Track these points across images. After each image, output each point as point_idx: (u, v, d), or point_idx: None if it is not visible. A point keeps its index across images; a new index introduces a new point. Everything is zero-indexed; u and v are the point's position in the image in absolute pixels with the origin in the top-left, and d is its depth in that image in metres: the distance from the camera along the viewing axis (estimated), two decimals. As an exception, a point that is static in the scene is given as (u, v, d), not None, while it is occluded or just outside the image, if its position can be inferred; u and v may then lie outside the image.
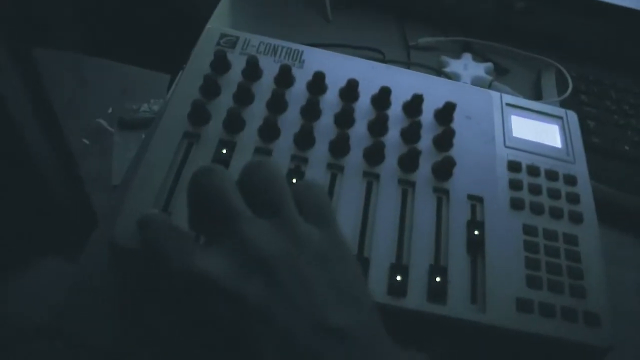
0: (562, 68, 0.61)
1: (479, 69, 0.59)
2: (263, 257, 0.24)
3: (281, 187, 0.27)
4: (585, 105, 0.57)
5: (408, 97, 0.44)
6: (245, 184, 0.27)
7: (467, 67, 0.59)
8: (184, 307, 0.24)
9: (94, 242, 0.42)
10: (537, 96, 0.60)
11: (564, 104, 0.57)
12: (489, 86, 0.57)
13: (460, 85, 0.48)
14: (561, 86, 0.60)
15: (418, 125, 0.42)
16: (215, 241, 0.25)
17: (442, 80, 0.47)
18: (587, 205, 0.43)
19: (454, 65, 0.59)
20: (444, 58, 0.60)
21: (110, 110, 0.69)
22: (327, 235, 0.27)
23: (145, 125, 0.68)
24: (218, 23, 0.62)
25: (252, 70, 0.43)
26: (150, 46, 0.90)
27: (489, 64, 0.60)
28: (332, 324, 0.23)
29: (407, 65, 0.58)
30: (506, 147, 0.45)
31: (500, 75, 0.62)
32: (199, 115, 0.40)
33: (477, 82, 0.57)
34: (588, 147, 0.48)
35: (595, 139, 0.54)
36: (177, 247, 0.26)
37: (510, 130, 0.46)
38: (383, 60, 0.57)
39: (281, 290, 0.23)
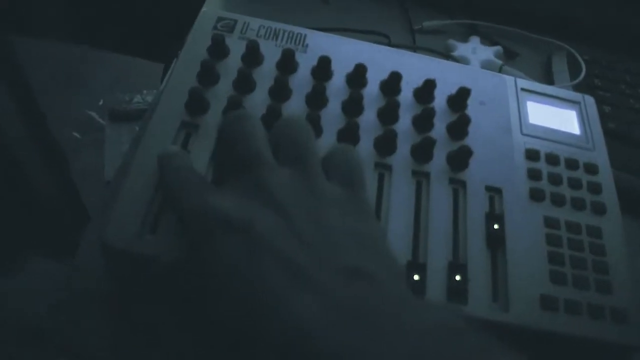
0: (573, 51, 0.58)
1: (488, 53, 0.56)
2: (276, 199, 0.23)
3: (308, 143, 0.27)
4: (599, 90, 0.55)
5: (419, 82, 0.42)
6: (275, 135, 0.27)
7: (476, 50, 0.56)
8: (194, 253, 0.23)
9: (88, 241, 0.39)
10: (549, 81, 0.58)
11: (577, 89, 0.55)
12: (500, 70, 0.55)
13: (472, 69, 0.45)
14: (573, 70, 0.57)
15: (431, 113, 0.39)
16: (231, 181, 0.25)
17: (453, 64, 0.45)
18: (610, 195, 0.41)
19: (462, 49, 0.56)
20: (451, 42, 0.57)
21: (101, 102, 0.66)
22: (350, 196, 0.25)
23: (138, 117, 0.65)
24: (212, 6, 0.59)
25: (253, 56, 0.40)
26: (142, 33, 0.87)
27: (498, 48, 0.57)
28: (349, 264, 0.21)
29: (414, 49, 0.55)
30: (523, 134, 0.42)
31: (510, 59, 0.59)
32: (196, 104, 0.38)
33: (486, 66, 0.55)
34: (604, 132, 0.46)
35: (612, 124, 0.52)
36: (194, 184, 0.26)
37: (527, 117, 0.44)
38: (389, 45, 0.54)
39: (292, 225, 0.22)
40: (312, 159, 0.26)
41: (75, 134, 0.64)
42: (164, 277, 0.26)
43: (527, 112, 0.44)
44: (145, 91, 0.67)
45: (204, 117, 0.38)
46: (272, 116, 0.37)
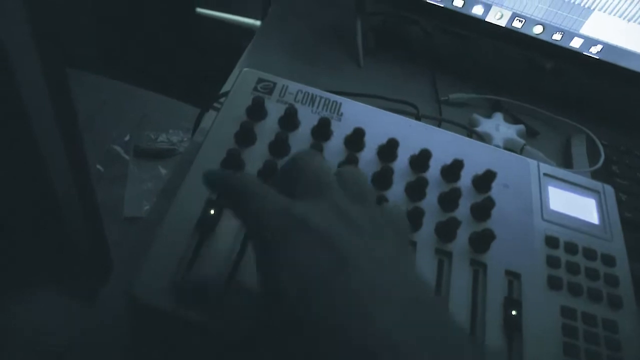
0: (593, 136, 0.60)
1: (511, 131, 0.58)
2: (350, 218, 0.25)
3: (367, 185, 0.30)
4: (617, 177, 0.56)
5: (447, 160, 0.43)
6: (339, 173, 0.29)
7: (499, 128, 0.58)
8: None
9: (110, 288, 0.40)
10: (567, 163, 0.59)
11: (595, 175, 0.56)
12: (521, 150, 0.56)
13: (498, 151, 0.47)
14: (592, 154, 0.59)
15: (458, 193, 0.41)
16: (305, 200, 0.26)
17: (480, 144, 0.46)
18: (626, 288, 0.41)
19: (486, 125, 0.58)
20: (476, 116, 0.59)
21: (127, 138, 0.67)
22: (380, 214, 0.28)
23: (162, 156, 0.67)
24: (249, 61, 0.61)
25: (290, 120, 0.42)
26: (178, 75, 0.89)
27: (521, 127, 0.59)
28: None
29: (439, 122, 0.57)
30: (543, 220, 0.43)
31: (530, 137, 0.61)
32: (233, 163, 0.39)
33: (509, 144, 0.56)
34: (621, 221, 0.47)
35: (628, 213, 0.53)
36: (270, 190, 0.26)
37: (548, 202, 0.45)
38: (417, 115, 0.56)
39: (367, 243, 0.24)
40: (372, 197, 0.29)
41: (99, 167, 0.66)
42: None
43: (548, 198, 0.45)
44: (171, 131, 0.69)
45: (238, 177, 0.39)
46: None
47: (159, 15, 0.93)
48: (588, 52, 0.60)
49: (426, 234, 0.39)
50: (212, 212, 0.36)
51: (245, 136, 0.41)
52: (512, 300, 0.38)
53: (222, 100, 0.53)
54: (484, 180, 0.43)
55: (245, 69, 0.46)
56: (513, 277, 0.39)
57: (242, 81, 0.45)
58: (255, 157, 0.40)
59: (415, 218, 0.39)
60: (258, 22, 1.14)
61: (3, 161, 0.35)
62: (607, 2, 0.55)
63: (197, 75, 0.94)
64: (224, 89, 0.55)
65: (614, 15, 0.56)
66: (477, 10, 0.60)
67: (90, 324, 0.39)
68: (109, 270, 0.47)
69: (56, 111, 0.39)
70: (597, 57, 0.60)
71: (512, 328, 0.37)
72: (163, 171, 0.66)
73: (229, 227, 0.36)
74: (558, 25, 0.59)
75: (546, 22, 0.59)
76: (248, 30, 1.14)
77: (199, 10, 1.04)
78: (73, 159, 0.43)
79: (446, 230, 0.39)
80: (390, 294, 0.22)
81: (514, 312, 0.37)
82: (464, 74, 0.67)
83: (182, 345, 0.35)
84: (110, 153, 0.66)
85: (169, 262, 0.34)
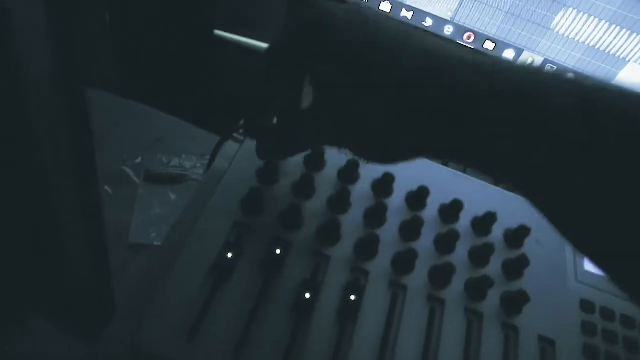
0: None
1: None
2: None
3: None
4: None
5: (479, 212, 0.41)
6: None
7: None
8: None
9: (112, 332, 0.37)
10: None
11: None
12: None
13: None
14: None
15: (490, 249, 0.38)
16: None
17: (512, 195, 0.44)
18: (665, 362, 0.38)
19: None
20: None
21: (139, 160, 0.65)
22: None
23: (173, 182, 0.64)
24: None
25: (317, 161, 0.40)
26: (192, 99, 0.88)
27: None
28: None
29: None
30: (577, 281, 0.41)
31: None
32: (253, 204, 0.37)
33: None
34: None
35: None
36: None
37: (582, 262, 0.42)
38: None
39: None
40: None
41: (107, 188, 0.63)
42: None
43: (582, 258, 0.43)
44: (184, 155, 0.67)
45: (258, 218, 0.36)
46: (329, 228, 0.36)
47: (177, 37, 0.92)
48: (620, 103, 0.58)
49: (456, 290, 0.37)
50: (229, 255, 0.34)
51: (269, 174, 0.38)
52: (546, 371, 0.35)
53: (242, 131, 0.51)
54: (517, 236, 0.40)
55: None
56: (547, 343, 0.37)
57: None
58: (278, 197, 0.38)
59: (446, 274, 0.36)
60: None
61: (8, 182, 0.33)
62: (643, 54, 0.54)
63: (214, 99, 0.93)
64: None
65: (650, 68, 0.55)
66: (509, 54, 0.58)
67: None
68: (112, 306, 0.44)
69: (70, 129, 0.37)
70: (629, 109, 0.58)
71: (547, 402, 0.34)
72: (173, 197, 0.63)
73: (248, 272, 0.34)
74: (591, 74, 0.57)
75: (579, 70, 0.57)
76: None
77: (218, 32, 1.03)
78: (83, 183, 0.40)
79: (477, 289, 0.37)
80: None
81: (548, 385, 0.34)
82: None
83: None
84: (120, 175, 0.64)
85: (178, 309, 0.32)
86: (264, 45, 1.20)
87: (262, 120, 0.34)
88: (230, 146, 0.49)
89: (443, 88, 0.25)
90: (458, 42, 0.59)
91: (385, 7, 0.60)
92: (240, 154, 0.40)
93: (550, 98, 0.23)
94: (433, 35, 0.29)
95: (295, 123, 0.32)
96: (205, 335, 0.31)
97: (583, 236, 0.25)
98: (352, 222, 0.38)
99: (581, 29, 0.54)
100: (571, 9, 0.53)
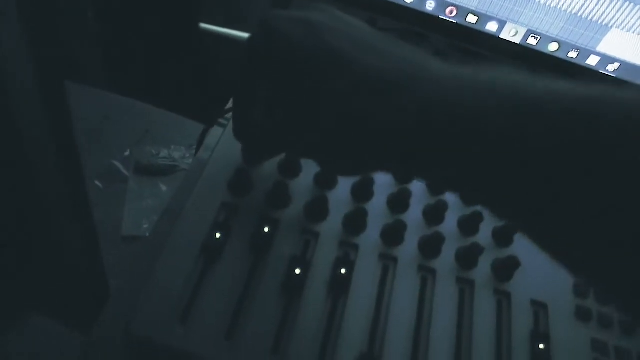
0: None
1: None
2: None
3: None
4: None
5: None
6: None
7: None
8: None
9: (107, 318, 0.37)
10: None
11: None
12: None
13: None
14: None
15: (479, 217, 0.38)
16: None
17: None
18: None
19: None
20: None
21: (127, 153, 0.65)
22: None
23: (163, 173, 0.64)
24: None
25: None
26: (179, 91, 0.87)
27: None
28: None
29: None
30: (568, 245, 0.41)
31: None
32: (240, 184, 0.36)
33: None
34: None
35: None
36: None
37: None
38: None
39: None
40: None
41: (98, 183, 0.63)
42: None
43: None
44: (173, 147, 0.67)
45: (246, 198, 0.36)
46: (317, 205, 0.36)
47: (162, 31, 0.91)
48: (605, 70, 0.58)
49: (446, 260, 0.37)
50: (218, 235, 0.34)
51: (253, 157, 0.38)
52: (539, 333, 0.35)
53: (227, 116, 0.51)
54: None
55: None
56: (540, 307, 0.37)
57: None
58: (265, 176, 0.38)
59: (435, 245, 0.37)
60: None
61: None
62: (625, 19, 0.54)
63: (201, 91, 0.93)
64: (230, 104, 0.53)
65: (632, 32, 0.54)
66: (492, 27, 0.58)
67: (87, 353, 0.36)
68: (105, 296, 0.44)
69: (51, 124, 0.37)
70: (614, 76, 0.58)
71: (541, 364, 0.34)
72: (164, 188, 0.63)
73: (237, 252, 0.34)
74: (574, 43, 0.57)
75: (562, 39, 0.57)
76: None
77: (203, 25, 1.03)
78: (69, 175, 0.40)
79: (467, 257, 0.37)
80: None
81: (541, 346, 0.35)
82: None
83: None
84: (110, 169, 0.64)
85: (170, 292, 0.32)
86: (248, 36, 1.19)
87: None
88: (215, 132, 0.49)
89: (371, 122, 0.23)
90: (441, 17, 0.59)
91: (366, -15, 0.59)
92: (225, 138, 0.40)
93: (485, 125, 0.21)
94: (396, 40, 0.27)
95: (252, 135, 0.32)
96: (197, 316, 0.31)
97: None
98: (339, 197, 0.38)
99: (562, -3, 0.54)
100: (551, -24, 0.53)
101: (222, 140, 0.40)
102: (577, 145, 0.19)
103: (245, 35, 1.19)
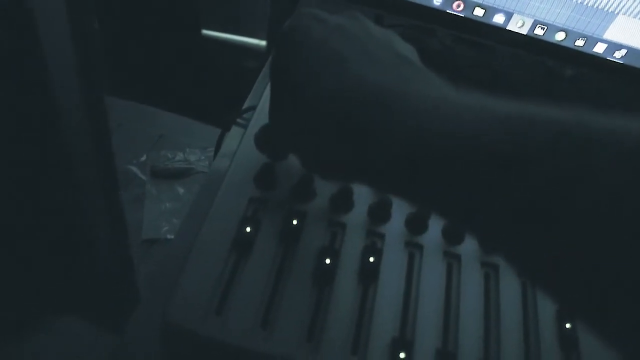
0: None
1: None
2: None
3: None
4: None
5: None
6: None
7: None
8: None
9: (138, 317, 0.38)
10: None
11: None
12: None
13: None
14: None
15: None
16: None
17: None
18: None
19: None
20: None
21: (144, 158, 0.66)
22: None
23: (180, 176, 0.65)
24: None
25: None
26: (188, 96, 0.88)
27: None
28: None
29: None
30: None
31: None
32: (266, 179, 0.37)
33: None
34: None
35: None
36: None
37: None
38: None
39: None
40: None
41: (116, 188, 0.64)
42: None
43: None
44: (188, 150, 0.67)
45: (273, 193, 0.37)
46: (342, 196, 0.37)
47: (166, 39, 0.93)
48: (612, 57, 0.59)
49: (470, 247, 0.37)
50: (247, 229, 0.35)
51: (280, 152, 0.39)
52: (564, 314, 0.36)
53: (245, 116, 0.52)
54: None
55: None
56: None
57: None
58: (290, 171, 0.39)
59: (459, 231, 0.37)
60: (263, 43, 1.14)
61: (39, 186, 0.34)
62: (631, 5, 0.55)
63: (209, 95, 0.94)
64: (247, 104, 0.54)
65: (639, 18, 0.55)
66: (498, 19, 0.59)
67: (119, 353, 0.37)
68: (135, 297, 0.45)
69: (92, 130, 0.38)
70: (622, 62, 0.59)
71: (569, 345, 0.35)
72: (181, 190, 0.64)
73: (267, 245, 0.35)
74: (581, 32, 0.58)
75: (568, 28, 0.58)
76: (254, 51, 1.14)
77: (205, 32, 1.04)
78: (105, 181, 0.41)
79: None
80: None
81: (568, 325, 0.35)
82: (483, 85, 0.66)
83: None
84: (127, 174, 0.65)
85: (204, 285, 0.33)
86: (250, 40, 1.21)
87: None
88: (235, 132, 0.50)
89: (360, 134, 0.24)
90: (448, 11, 0.60)
91: (373, -17, 0.60)
92: (247, 136, 0.41)
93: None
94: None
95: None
96: (232, 308, 0.32)
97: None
98: (363, 188, 0.38)
99: (568, -14, 0.55)
100: (556, -33, 0.54)
101: (245, 137, 0.41)
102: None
103: (248, 39, 1.20)
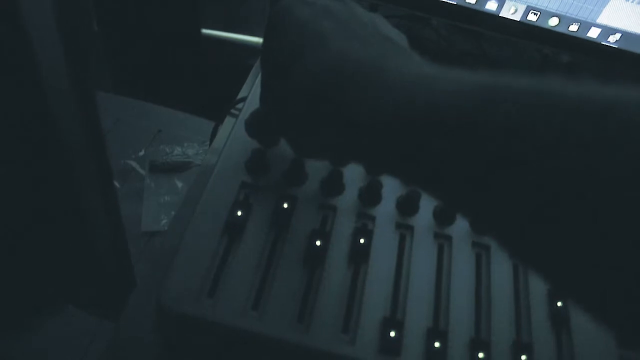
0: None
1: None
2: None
3: None
4: None
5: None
6: None
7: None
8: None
9: (135, 300, 0.38)
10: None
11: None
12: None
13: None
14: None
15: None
16: None
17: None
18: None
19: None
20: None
21: (142, 152, 0.67)
22: None
23: (178, 169, 0.66)
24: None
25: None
26: (187, 93, 0.89)
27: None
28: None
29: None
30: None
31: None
32: (257, 164, 0.38)
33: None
34: None
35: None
36: None
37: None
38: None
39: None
40: None
41: (115, 182, 0.65)
42: None
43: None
44: (186, 144, 0.68)
45: (264, 178, 0.38)
46: (333, 179, 0.37)
47: (167, 38, 0.93)
48: (606, 41, 0.59)
49: (461, 228, 0.38)
50: (239, 213, 0.35)
51: (270, 136, 0.39)
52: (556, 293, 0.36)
53: (238, 106, 0.52)
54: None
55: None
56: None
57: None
58: (281, 155, 0.39)
59: (449, 212, 0.38)
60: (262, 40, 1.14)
61: (35, 179, 0.34)
62: (624, -11, 0.54)
63: (207, 92, 0.94)
64: (240, 96, 0.54)
65: (632, 2, 0.55)
66: (491, 6, 0.59)
67: (117, 339, 0.38)
68: (132, 286, 0.46)
69: (83, 125, 0.38)
70: (616, 47, 0.59)
71: (561, 322, 0.35)
72: (180, 184, 0.65)
73: (259, 228, 0.35)
74: (574, 16, 0.58)
75: (562, 13, 0.58)
76: (253, 49, 1.14)
77: (204, 31, 1.05)
78: (100, 174, 0.42)
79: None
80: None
81: (559, 304, 0.36)
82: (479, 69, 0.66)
83: (212, 355, 0.34)
84: (125, 169, 0.66)
85: (197, 268, 0.33)
86: (249, 38, 1.21)
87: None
88: (228, 121, 0.51)
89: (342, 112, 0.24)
90: (441, -1, 0.60)
91: (366, -27, 0.61)
92: (239, 123, 0.41)
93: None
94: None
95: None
96: (225, 290, 0.32)
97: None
98: (354, 171, 0.39)
99: (560, -29, 0.55)
100: (548, -49, 0.54)
101: (236, 126, 0.41)
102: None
103: (246, 37, 1.21)
